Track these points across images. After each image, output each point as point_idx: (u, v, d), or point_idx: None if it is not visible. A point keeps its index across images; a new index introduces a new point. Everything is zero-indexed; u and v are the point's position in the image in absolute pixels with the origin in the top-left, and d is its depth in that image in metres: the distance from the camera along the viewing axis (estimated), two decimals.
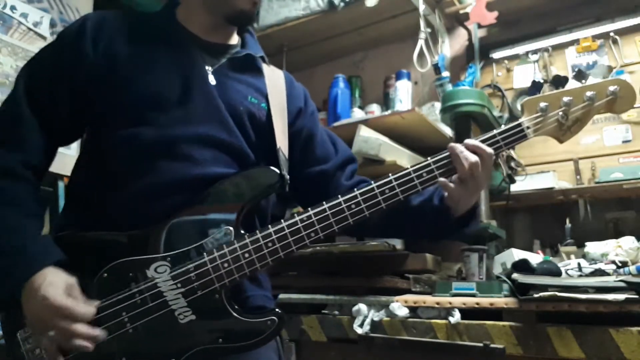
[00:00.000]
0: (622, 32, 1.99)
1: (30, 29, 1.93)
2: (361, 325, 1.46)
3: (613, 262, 1.47)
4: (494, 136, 1.02)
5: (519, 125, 1.04)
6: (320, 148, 1.18)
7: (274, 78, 1.16)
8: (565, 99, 1.05)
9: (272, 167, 1.01)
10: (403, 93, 2.25)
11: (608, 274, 1.40)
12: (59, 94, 0.99)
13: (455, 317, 1.35)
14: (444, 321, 1.37)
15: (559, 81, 1.10)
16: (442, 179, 1.00)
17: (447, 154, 1.01)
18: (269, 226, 0.96)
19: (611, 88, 1.05)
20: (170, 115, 0.98)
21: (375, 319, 1.45)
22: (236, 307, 0.94)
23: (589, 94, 1.05)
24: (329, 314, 1.55)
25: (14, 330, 0.89)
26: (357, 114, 2.27)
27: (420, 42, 2.07)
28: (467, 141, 1.01)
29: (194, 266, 0.92)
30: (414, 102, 2.29)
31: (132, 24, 1.06)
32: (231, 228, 0.94)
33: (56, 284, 0.85)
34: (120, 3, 2.38)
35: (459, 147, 1.00)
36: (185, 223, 0.94)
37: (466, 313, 1.37)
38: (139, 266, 0.91)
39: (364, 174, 1.82)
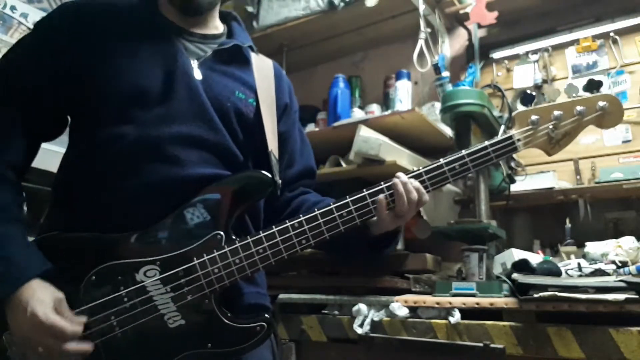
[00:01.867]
0: (622, 32, 1.99)
1: (30, 29, 1.93)
2: (361, 325, 1.46)
3: (613, 262, 1.47)
4: (485, 147, 1.02)
5: (510, 137, 1.04)
6: (288, 155, 1.14)
7: (263, 69, 1.11)
8: (556, 112, 1.06)
9: (265, 172, 0.98)
10: (403, 93, 2.25)
11: (608, 274, 1.40)
12: (36, 89, 0.95)
13: (455, 317, 1.35)
14: (444, 321, 1.37)
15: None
16: (380, 196, 0.98)
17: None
18: (260, 232, 0.94)
19: (600, 103, 1.07)
20: (153, 114, 0.94)
21: (375, 319, 1.45)
22: (226, 311, 0.93)
23: (579, 108, 1.07)
24: (329, 314, 1.55)
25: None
26: (357, 114, 2.27)
27: (420, 42, 2.07)
28: (412, 181, 0.99)
29: (183, 271, 0.90)
30: (414, 102, 2.29)
31: (112, 13, 1.00)
32: (222, 232, 0.93)
33: (44, 301, 0.83)
34: None
35: (401, 184, 0.98)
36: (175, 226, 0.92)
37: (466, 313, 1.37)
38: (128, 270, 0.89)
39: (364, 174, 1.84)
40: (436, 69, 1.89)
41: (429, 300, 1.43)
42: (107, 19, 0.99)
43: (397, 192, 0.98)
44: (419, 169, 1.02)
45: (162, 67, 0.97)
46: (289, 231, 0.95)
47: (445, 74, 1.91)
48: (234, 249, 0.92)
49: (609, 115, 1.07)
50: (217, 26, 1.10)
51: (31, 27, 1.91)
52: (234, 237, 0.94)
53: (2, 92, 0.96)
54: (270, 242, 0.94)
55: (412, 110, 1.87)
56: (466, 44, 2.31)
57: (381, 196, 0.98)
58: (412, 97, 2.28)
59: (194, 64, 1.00)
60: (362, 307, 1.48)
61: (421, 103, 2.27)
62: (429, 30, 2.14)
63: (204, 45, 1.05)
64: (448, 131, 1.93)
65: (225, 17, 1.15)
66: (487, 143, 1.03)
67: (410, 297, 1.47)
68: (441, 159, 1.03)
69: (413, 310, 1.44)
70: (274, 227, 0.95)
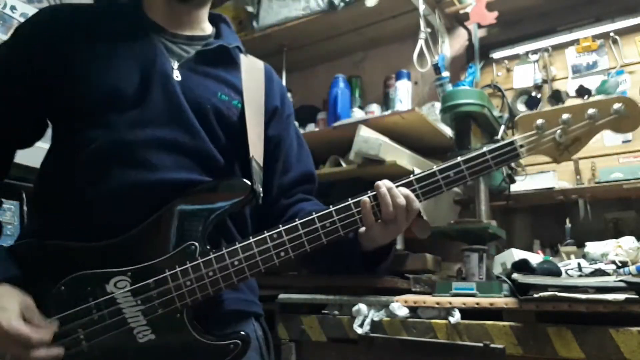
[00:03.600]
0: (622, 32, 1.99)
1: None
2: (361, 325, 1.46)
3: (613, 262, 1.47)
4: (483, 154, 0.95)
5: (512, 143, 0.96)
6: (282, 161, 1.09)
7: (252, 71, 1.06)
8: (564, 116, 0.97)
9: (244, 180, 0.93)
10: (403, 93, 2.25)
11: (608, 274, 1.40)
12: (11, 92, 0.93)
13: (455, 317, 1.35)
14: (444, 321, 1.37)
15: (558, 96, 1.03)
16: (364, 198, 0.92)
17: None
18: (236, 242, 0.90)
19: (615, 106, 0.97)
20: (127, 117, 0.91)
21: (375, 319, 1.45)
22: (199, 326, 0.88)
23: (590, 111, 0.97)
24: (329, 314, 1.55)
25: None
26: (357, 114, 2.27)
27: (420, 42, 2.07)
28: (401, 188, 0.93)
29: (154, 282, 0.86)
30: (414, 102, 2.29)
31: (93, 15, 0.98)
32: (196, 243, 0.88)
33: (8, 308, 0.79)
34: None
35: (385, 188, 0.92)
36: (148, 235, 0.88)
37: (466, 313, 1.36)
38: (98, 280, 0.85)
39: (364, 174, 1.84)
40: (436, 69, 1.89)
41: (429, 300, 1.43)
42: (87, 21, 0.97)
43: (380, 194, 0.92)
44: (409, 177, 0.96)
45: (140, 69, 0.94)
46: (266, 242, 0.89)
47: (445, 74, 1.91)
48: (208, 261, 0.88)
49: (626, 119, 0.97)
50: (204, 28, 1.06)
51: None
52: (208, 248, 0.89)
53: None
54: (247, 254, 0.89)
55: (412, 110, 1.88)
56: (466, 44, 2.31)
57: (365, 197, 0.93)
58: (412, 97, 2.28)
59: (174, 64, 0.97)
60: (362, 307, 1.48)
61: (421, 103, 2.27)
62: (429, 30, 2.14)
63: (189, 46, 1.01)
64: (448, 131, 1.93)
65: (214, 19, 1.10)
66: (485, 149, 0.95)
67: (410, 297, 1.47)
68: (434, 166, 0.96)
69: (413, 310, 1.44)
70: (251, 237, 0.90)
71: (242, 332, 0.90)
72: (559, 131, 0.98)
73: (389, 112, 2.09)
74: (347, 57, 2.63)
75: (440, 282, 1.51)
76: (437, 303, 1.40)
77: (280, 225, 0.91)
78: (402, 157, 1.81)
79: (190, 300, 0.87)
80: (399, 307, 1.44)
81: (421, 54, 2.08)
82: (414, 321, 1.41)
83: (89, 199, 0.89)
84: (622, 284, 1.20)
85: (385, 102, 2.32)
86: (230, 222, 0.98)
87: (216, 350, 0.87)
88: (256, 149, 1.00)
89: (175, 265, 0.87)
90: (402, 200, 0.92)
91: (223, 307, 0.95)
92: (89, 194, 0.89)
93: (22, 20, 1.91)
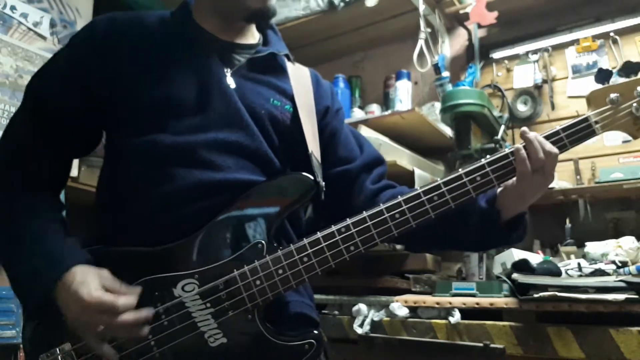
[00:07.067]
0: (622, 32, 1.99)
1: (30, 29, 1.93)
2: (361, 325, 1.46)
3: (613, 262, 1.47)
4: (557, 132, 0.92)
5: (586, 119, 0.92)
6: (344, 148, 1.08)
7: (300, 77, 1.08)
8: None
9: (306, 174, 0.93)
10: (403, 93, 2.25)
11: (608, 274, 1.40)
12: (68, 104, 0.95)
13: (455, 317, 1.35)
14: (444, 321, 1.37)
15: (630, 68, 0.97)
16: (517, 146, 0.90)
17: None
18: (304, 239, 0.88)
19: None
20: (187, 122, 0.92)
21: (375, 319, 1.45)
22: (271, 327, 0.86)
23: None
24: (329, 314, 1.55)
25: (37, 352, 0.85)
26: (357, 114, 2.27)
27: (420, 42, 2.08)
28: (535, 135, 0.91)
29: (223, 284, 0.84)
30: (414, 102, 2.29)
31: (145, 25, 1.00)
32: (263, 241, 0.87)
33: (88, 282, 0.81)
34: (120, 3, 2.37)
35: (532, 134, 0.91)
36: (213, 235, 0.87)
37: (466, 313, 1.37)
38: (165, 284, 0.85)
39: None
40: (436, 69, 1.89)
41: (429, 300, 1.43)
42: (140, 31, 0.98)
43: (528, 139, 0.90)
44: (554, 128, 0.93)
45: (196, 77, 0.96)
46: (334, 236, 0.87)
47: (445, 74, 1.91)
48: (276, 258, 0.86)
49: None
50: (253, 35, 1.08)
51: (31, 27, 1.91)
52: (275, 245, 0.88)
53: (34, 110, 0.96)
54: (315, 249, 0.86)
55: (412, 110, 1.88)
56: (466, 44, 2.31)
57: (518, 146, 0.90)
58: (412, 97, 2.29)
59: (227, 72, 0.98)
60: (362, 307, 1.48)
61: (421, 103, 2.27)
62: (429, 30, 2.14)
63: (239, 54, 1.03)
64: (448, 131, 1.93)
65: (260, 27, 1.11)
66: (559, 128, 0.92)
67: (410, 297, 1.47)
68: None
69: (413, 310, 1.44)
70: (318, 233, 0.88)
71: (316, 332, 0.88)
72: (635, 104, 0.92)
73: (389, 112, 2.08)
74: (347, 57, 2.63)
75: (440, 282, 1.51)
76: (437, 303, 1.40)
77: (348, 219, 0.89)
78: (402, 157, 1.81)
79: (261, 300, 0.85)
80: (399, 307, 1.44)
81: (421, 54, 2.08)
82: (414, 321, 1.41)
83: (154, 200, 0.89)
84: (622, 284, 1.21)
85: (385, 102, 2.32)
86: (287, 223, 0.98)
87: (291, 350, 0.85)
88: (314, 146, 1.01)
89: (244, 265, 0.85)
90: (550, 147, 0.91)
91: (289, 310, 0.94)
92: (154, 195, 0.89)
93: (22, 20, 1.91)
